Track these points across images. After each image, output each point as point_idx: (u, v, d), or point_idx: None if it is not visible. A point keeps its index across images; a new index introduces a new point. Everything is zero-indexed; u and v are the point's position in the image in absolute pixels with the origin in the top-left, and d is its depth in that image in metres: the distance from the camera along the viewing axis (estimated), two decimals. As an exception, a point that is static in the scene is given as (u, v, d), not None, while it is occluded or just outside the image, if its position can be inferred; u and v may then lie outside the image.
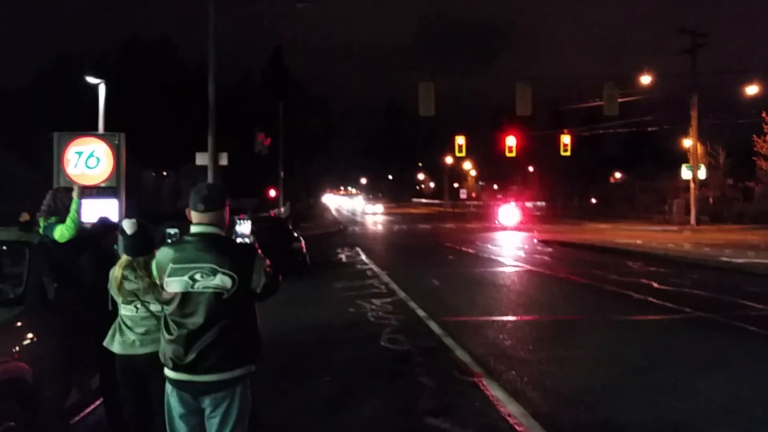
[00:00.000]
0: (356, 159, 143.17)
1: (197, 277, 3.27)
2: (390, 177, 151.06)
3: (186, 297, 3.29)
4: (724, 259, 18.54)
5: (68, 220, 4.96)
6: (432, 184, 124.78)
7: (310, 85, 76.37)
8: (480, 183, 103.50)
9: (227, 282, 3.27)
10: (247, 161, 38.18)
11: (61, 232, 4.92)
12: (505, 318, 10.62)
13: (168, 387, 3.41)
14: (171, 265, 3.31)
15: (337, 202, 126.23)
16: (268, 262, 3.47)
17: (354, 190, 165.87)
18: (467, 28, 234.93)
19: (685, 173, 37.12)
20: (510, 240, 30.21)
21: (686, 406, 6.08)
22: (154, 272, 3.47)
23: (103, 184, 9.84)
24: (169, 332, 3.34)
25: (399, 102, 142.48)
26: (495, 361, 7.61)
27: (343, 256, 22.44)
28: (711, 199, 44.05)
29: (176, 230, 10.32)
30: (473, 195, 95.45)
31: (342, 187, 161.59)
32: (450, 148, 56.88)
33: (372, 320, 10.28)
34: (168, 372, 3.37)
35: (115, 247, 4.80)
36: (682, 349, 8.38)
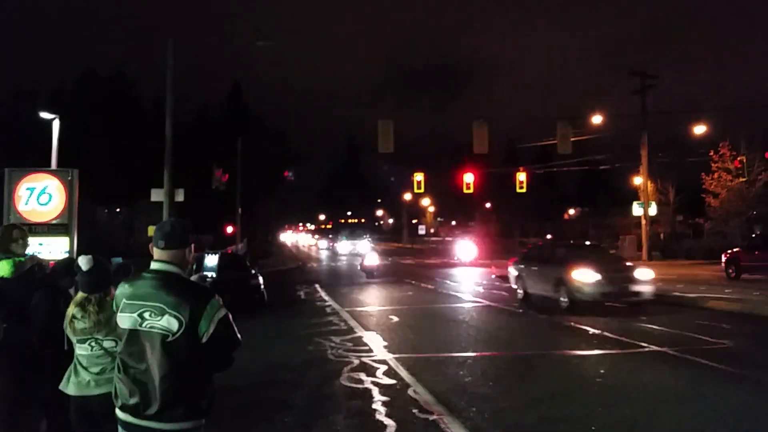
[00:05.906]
0: (315, 195, 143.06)
1: (146, 315, 3.14)
2: (349, 213, 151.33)
3: (133, 335, 3.17)
4: (677, 293, 18.93)
5: (7, 260, 4.83)
6: (391, 221, 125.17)
7: (270, 121, 76.23)
8: (439, 219, 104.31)
9: (173, 324, 3.08)
10: (204, 197, 37.80)
11: (2, 269, 4.80)
12: (465, 354, 10.62)
13: (119, 428, 3.29)
14: (124, 300, 3.23)
15: (305, 241, 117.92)
16: (228, 314, 3.21)
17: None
18: (427, 68, 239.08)
19: (637, 210, 38.12)
20: (468, 275, 30.38)
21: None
22: (113, 308, 3.39)
23: (54, 221, 9.64)
24: (118, 371, 3.25)
25: (359, 139, 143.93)
26: (456, 398, 7.58)
27: (302, 293, 22.25)
28: (662, 235, 45.17)
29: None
30: (432, 231, 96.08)
31: (301, 224, 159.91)
32: (409, 185, 57.40)
33: (331, 358, 10.16)
34: (117, 411, 3.25)
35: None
36: (639, 383, 8.49)
